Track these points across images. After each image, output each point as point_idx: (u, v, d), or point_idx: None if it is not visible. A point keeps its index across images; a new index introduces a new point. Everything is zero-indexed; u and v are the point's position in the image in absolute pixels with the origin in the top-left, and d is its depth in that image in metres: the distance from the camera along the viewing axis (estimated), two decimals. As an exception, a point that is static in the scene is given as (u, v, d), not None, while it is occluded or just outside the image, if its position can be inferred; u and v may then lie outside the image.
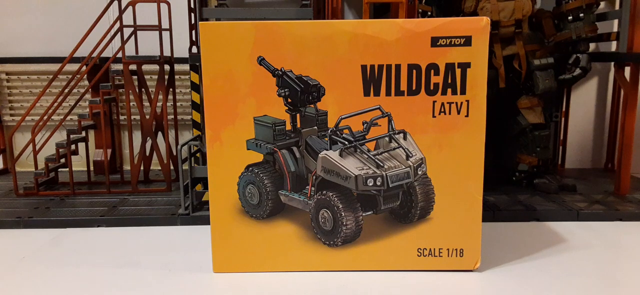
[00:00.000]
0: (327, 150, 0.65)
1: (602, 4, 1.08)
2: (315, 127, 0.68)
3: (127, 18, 1.04)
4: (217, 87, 0.63)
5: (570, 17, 1.00)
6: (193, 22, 1.04)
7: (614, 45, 1.21)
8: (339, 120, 0.64)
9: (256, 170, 0.68)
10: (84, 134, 1.12)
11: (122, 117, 1.28)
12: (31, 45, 1.27)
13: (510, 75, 1.03)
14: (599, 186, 1.08)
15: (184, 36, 1.06)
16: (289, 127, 0.67)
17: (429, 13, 1.03)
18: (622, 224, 0.88)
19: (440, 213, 0.66)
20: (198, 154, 1.00)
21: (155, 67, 1.07)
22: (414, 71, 0.63)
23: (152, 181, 1.15)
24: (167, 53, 1.07)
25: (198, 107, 1.01)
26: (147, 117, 1.08)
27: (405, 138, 0.64)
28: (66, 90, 1.07)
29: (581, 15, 1.00)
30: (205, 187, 0.95)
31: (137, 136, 1.13)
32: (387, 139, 0.65)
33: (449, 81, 0.63)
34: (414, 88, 0.63)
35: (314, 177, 0.67)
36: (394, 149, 0.65)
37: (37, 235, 0.85)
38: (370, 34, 0.62)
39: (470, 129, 0.63)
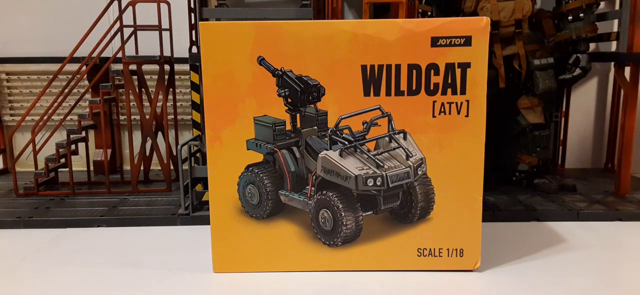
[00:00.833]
0: (327, 150, 0.65)
1: (602, 4, 1.08)
2: (315, 127, 0.68)
3: (127, 18, 1.04)
4: (217, 87, 0.63)
5: (570, 17, 1.00)
6: (193, 22, 1.04)
7: (614, 45, 1.21)
8: (339, 120, 0.64)
9: (256, 170, 0.68)
10: (84, 134, 1.12)
11: (122, 117, 1.28)
12: (31, 45, 1.27)
13: (510, 75, 1.03)
14: (599, 186, 1.08)
15: (184, 36, 1.06)
16: (289, 127, 0.67)
17: (429, 13, 1.03)
18: (622, 224, 0.88)
19: (440, 213, 0.66)
20: (198, 154, 1.00)
21: (155, 67, 1.07)
22: (414, 71, 0.63)
23: (152, 181, 1.15)
24: (167, 53, 1.07)
25: (198, 107, 1.01)
26: (147, 117, 1.08)
27: (405, 138, 0.64)
28: (66, 90, 1.07)
29: (581, 15, 1.00)
30: (205, 187, 0.95)
31: (137, 136, 1.13)
32: (387, 139, 0.65)
33: (449, 81, 0.63)
34: (414, 88, 0.63)
35: (314, 177, 0.67)
36: (394, 149, 0.65)
37: (37, 235, 0.85)
38: (370, 34, 0.62)
39: (470, 129, 0.63)
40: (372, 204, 0.67)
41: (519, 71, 1.01)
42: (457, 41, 0.62)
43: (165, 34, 1.07)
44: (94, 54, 1.06)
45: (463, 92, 0.63)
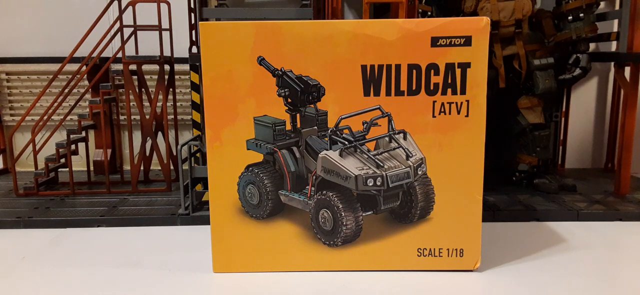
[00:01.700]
0: (327, 150, 0.65)
1: (602, 4, 1.08)
2: (315, 127, 0.68)
3: (127, 18, 1.04)
4: (217, 87, 0.63)
5: (570, 17, 1.00)
6: (193, 22, 1.04)
7: (614, 45, 1.21)
8: (339, 120, 0.64)
9: (256, 170, 0.68)
10: (84, 134, 1.12)
11: (122, 117, 1.28)
12: (31, 45, 1.27)
13: (510, 75, 1.03)
14: (599, 186, 1.08)
15: (184, 36, 1.06)
16: (289, 127, 0.67)
17: (429, 13, 1.03)
18: (622, 224, 0.88)
19: (440, 213, 0.66)
20: (198, 154, 1.00)
21: (155, 67, 1.07)
22: (414, 71, 0.63)
23: (152, 181, 1.15)
24: (167, 53, 1.07)
25: (198, 107, 1.01)
26: (147, 117, 1.08)
27: (405, 138, 0.64)
28: (66, 90, 1.07)
29: (581, 15, 1.00)
30: (205, 187, 0.95)
31: (137, 136, 1.13)
32: (387, 139, 0.65)
33: (449, 81, 0.63)
34: (414, 88, 0.63)
35: (314, 177, 0.67)
36: (394, 149, 0.65)
37: (37, 235, 0.85)
38: (370, 34, 0.62)
39: (470, 129, 0.63)
40: (372, 204, 0.67)
41: (519, 71, 1.01)
42: (457, 41, 0.62)
43: (165, 34, 1.07)
44: (94, 54, 1.06)
45: (463, 92, 0.63)
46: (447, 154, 0.64)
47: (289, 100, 0.65)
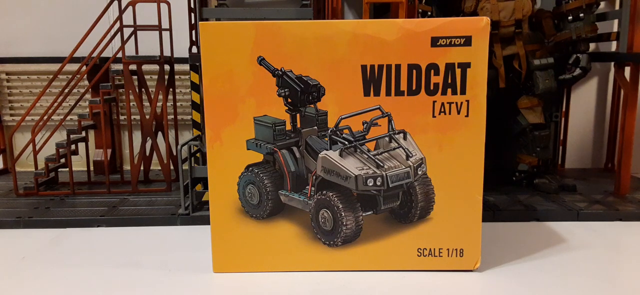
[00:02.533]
0: (327, 150, 0.65)
1: (602, 4, 1.08)
2: (315, 127, 0.68)
3: (127, 18, 1.04)
4: (217, 87, 0.63)
5: (570, 17, 1.00)
6: (193, 22, 1.04)
7: (614, 45, 1.21)
8: (339, 120, 0.64)
9: (256, 170, 0.68)
10: (84, 134, 1.12)
11: (122, 117, 1.28)
12: (31, 45, 1.27)
13: (510, 75, 1.03)
14: (599, 186, 1.08)
15: (184, 36, 1.06)
16: (289, 127, 0.67)
17: (429, 13, 1.03)
18: (622, 224, 0.88)
19: (440, 213, 0.66)
20: (198, 154, 1.00)
21: (155, 67, 1.07)
22: (414, 71, 0.63)
23: (152, 181, 1.15)
24: (167, 53, 1.07)
25: (198, 107, 1.01)
26: (147, 117, 1.08)
27: (405, 138, 0.64)
28: (66, 90, 1.07)
29: (581, 15, 1.00)
30: (205, 187, 0.95)
31: (137, 136, 1.13)
32: (387, 139, 0.65)
33: (449, 81, 0.63)
34: (414, 88, 0.63)
35: (314, 177, 0.67)
36: (394, 149, 0.65)
37: (37, 235, 0.85)
38: (370, 34, 0.62)
39: (470, 129, 0.63)
40: (372, 204, 0.67)
41: (519, 71, 1.01)
42: (457, 41, 0.62)
43: (165, 34, 1.07)
44: (94, 54, 1.06)
45: (463, 92, 0.63)
46: (447, 154, 0.64)
47: (289, 100, 0.65)
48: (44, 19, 1.27)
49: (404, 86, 0.63)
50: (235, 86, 0.63)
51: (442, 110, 0.63)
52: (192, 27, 1.04)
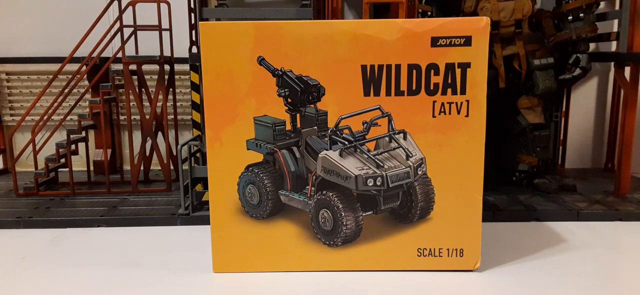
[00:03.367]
0: (327, 150, 0.65)
1: (602, 4, 1.08)
2: (315, 127, 0.68)
3: (127, 18, 1.04)
4: (217, 87, 0.63)
5: (570, 17, 1.00)
6: (193, 22, 1.04)
7: (614, 45, 1.21)
8: (339, 120, 0.64)
9: (256, 170, 0.68)
10: (84, 134, 1.12)
11: (122, 117, 1.28)
12: (31, 45, 1.27)
13: (510, 75, 1.03)
14: (599, 186, 1.08)
15: (184, 36, 1.06)
16: (289, 127, 0.67)
17: (429, 13, 1.03)
18: (622, 224, 0.88)
19: (440, 213, 0.66)
20: (198, 154, 1.00)
21: (155, 67, 1.07)
22: (414, 71, 0.63)
23: (152, 181, 1.15)
24: (167, 53, 1.07)
25: (198, 107, 1.01)
26: (147, 117, 1.08)
27: (405, 138, 0.64)
28: (66, 90, 1.07)
29: (581, 15, 1.00)
30: (205, 187, 0.95)
31: (137, 136, 1.13)
32: (387, 139, 0.65)
33: (449, 81, 0.63)
34: (414, 88, 0.63)
35: (314, 177, 0.67)
36: (394, 149, 0.65)
37: (37, 235, 0.85)
38: (370, 34, 0.62)
39: (470, 129, 0.63)
40: (372, 204, 0.67)
41: (519, 71, 1.01)
42: (457, 41, 0.62)
43: (165, 34, 1.07)
44: (94, 54, 1.06)
45: (463, 92, 0.63)
46: (447, 154, 0.64)
47: (289, 100, 0.65)
48: (44, 19, 1.27)
49: (404, 86, 0.63)
50: (235, 86, 0.63)
51: (442, 110, 0.63)
52: (192, 27, 1.04)
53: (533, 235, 0.83)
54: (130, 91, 1.07)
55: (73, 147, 1.09)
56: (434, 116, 0.64)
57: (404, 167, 0.64)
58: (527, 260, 0.72)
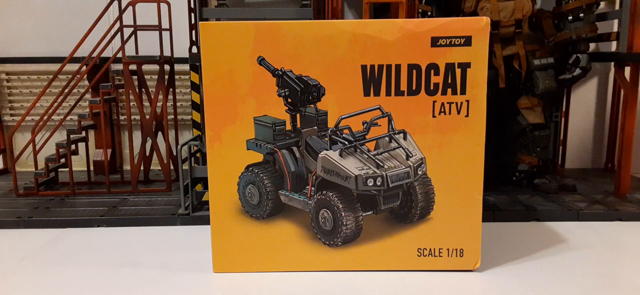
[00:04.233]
0: (327, 150, 0.65)
1: (602, 4, 1.08)
2: (315, 127, 0.68)
3: (127, 18, 1.04)
4: (217, 87, 0.63)
5: (570, 17, 1.00)
6: (193, 22, 1.04)
7: (614, 45, 1.21)
8: (339, 120, 0.64)
9: (256, 170, 0.68)
10: (84, 134, 1.12)
11: (122, 117, 1.28)
12: (31, 45, 1.27)
13: (510, 75, 1.03)
14: (599, 186, 1.08)
15: (184, 36, 1.06)
16: (289, 127, 0.67)
17: (429, 13, 1.03)
18: (622, 224, 0.88)
19: (440, 213, 0.66)
20: (198, 154, 1.00)
21: (155, 67, 1.07)
22: (414, 71, 0.63)
23: (152, 181, 1.15)
24: (167, 53, 1.07)
25: (198, 107, 1.01)
26: (147, 117, 1.08)
27: (405, 138, 0.64)
28: (66, 90, 1.07)
29: (581, 15, 1.00)
30: (205, 187, 0.95)
31: (137, 136, 1.13)
32: (387, 139, 0.65)
33: (449, 81, 0.63)
34: (414, 88, 0.63)
35: (314, 177, 0.67)
36: (394, 149, 0.65)
37: (37, 235, 0.85)
38: (370, 34, 0.62)
39: (470, 129, 0.63)
40: (372, 204, 0.67)
41: (519, 71, 1.01)
42: (457, 41, 0.62)
43: (165, 34, 1.07)
44: (94, 54, 1.06)
45: (463, 92, 0.63)
46: (447, 154, 0.64)
47: (289, 100, 0.65)
48: (44, 19, 1.27)
49: (404, 86, 0.63)
50: (235, 86, 0.63)
51: (442, 110, 0.63)
52: (192, 27, 1.04)
53: (533, 235, 0.83)
54: (130, 91, 1.07)
55: (73, 147, 1.09)
56: (434, 116, 0.64)
57: (404, 167, 0.64)
58: (527, 260, 0.72)
